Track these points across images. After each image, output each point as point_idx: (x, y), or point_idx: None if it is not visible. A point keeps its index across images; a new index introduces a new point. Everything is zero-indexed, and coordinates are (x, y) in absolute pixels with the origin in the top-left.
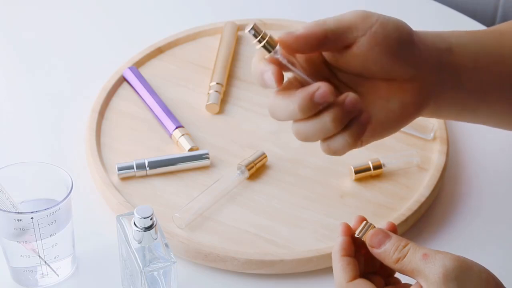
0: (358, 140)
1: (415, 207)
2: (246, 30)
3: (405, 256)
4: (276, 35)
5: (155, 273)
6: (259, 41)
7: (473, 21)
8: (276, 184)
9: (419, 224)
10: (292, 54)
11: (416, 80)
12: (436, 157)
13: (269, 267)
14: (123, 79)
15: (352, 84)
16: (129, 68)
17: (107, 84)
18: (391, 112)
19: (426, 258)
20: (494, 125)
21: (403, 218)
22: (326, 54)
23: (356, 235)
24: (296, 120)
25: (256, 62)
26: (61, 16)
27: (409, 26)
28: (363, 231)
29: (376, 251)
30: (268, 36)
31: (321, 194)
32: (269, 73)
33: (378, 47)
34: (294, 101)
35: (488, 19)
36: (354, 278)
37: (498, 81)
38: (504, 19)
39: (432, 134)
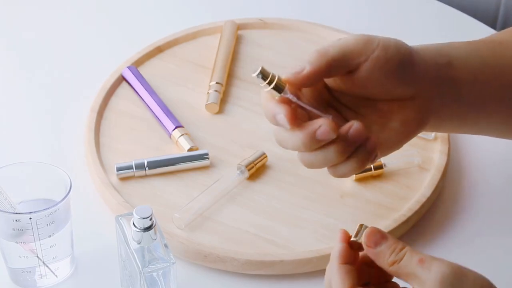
0: (365, 165)
1: (416, 208)
2: (254, 74)
3: (401, 259)
4: (276, 34)
5: (154, 274)
6: (268, 84)
7: (475, 20)
8: (276, 184)
9: (420, 224)
10: (299, 89)
11: (416, 98)
12: (437, 157)
13: (269, 268)
14: (122, 79)
15: (353, 106)
16: (128, 67)
17: (106, 84)
18: (392, 131)
19: (422, 263)
20: (495, 135)
21: (404, 218)
22: (327, 80)
23: (352, 239)
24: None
25: (266, 102)
26: (60, 15)
27: (408, 46)
28: (359, 234)
29: (371, 251)
30: (276, 78)
31: (321, 194)
32: (281, 115)
33: (380, 71)
34: (298, 137)
35: (489, 18)
36: (353, 286)
37: (498, 93)
38: (506, 18)
39: (433, 134)
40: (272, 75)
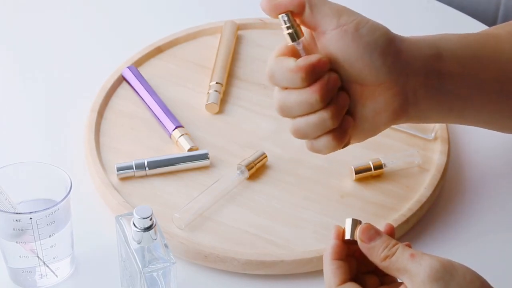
0: (340, 143)
1: (416, 208)
2: (279, 15)
3: (393, 254)
4: (276, 34)
5: (155, 274)
6: (288, 28)
7: (475, 21)
8: (276, 184)
9: (420, 224)
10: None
11: (389, 87)
12: (437, 157)
13: (269, 268)
14: (122, 79)
15: None
16: (128, 67)
17: (106, 84)
18: (364, 118)
19: (413, 258)
20: (481, 126)
21: (404, 218)
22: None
23: (347, 238)
24: (296, 117)
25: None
26: (60, 16)
27: (390, 33)
28: (352, 230)
29: (365, 246)
30: (298, 26)
31: (322, 194)
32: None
33: (347, 46)
34: (298, 72)
35: (489, 18)
36: (344, 281)
37: (485, 86)
38: (506, 18)
39: (433, 134)
40: (295, 22)
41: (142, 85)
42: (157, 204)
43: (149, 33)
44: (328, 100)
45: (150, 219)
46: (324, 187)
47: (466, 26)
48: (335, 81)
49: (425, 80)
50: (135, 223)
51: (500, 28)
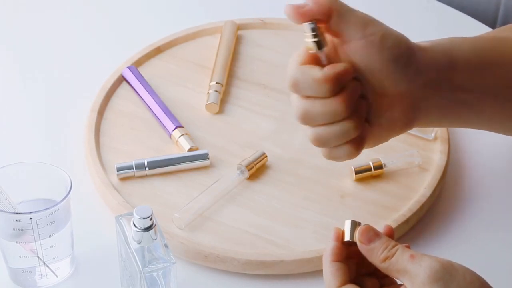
0: (359, 150)
1: (416, 208)
2: (305, 23)
3: (393, 255)
4: (276, 34)
5: (155, 274)
6: (314, 36)
7: (475, 21)
8: (276, 184)
9: (420, 224)
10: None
11: (406, 97)
12: (437, 157)
13: (269, 268)
14: (122, 79)
15: None
16: (128, 67)
17: (106, 84)
18: (379, 126)
19: (413, 259)
20: (488, 130)
21: (404, 218)
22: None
23: (346, 239)
24: (318, 125)
25: (298, 65)
26: (60, 16)
27: (409, 43)
28: (352, 231)
29: (364, 247)
30: (322, 34)
31: (322, 194)
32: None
33: (371, 57)
34: (323, 83)
35: (489, 18)
36: (344, 283)
37: (493, 91)
38: (506, 18)
39: (433, 134)
40: (321, 32)
41: (142, 85)
42: (157, 204)
43: (149, 33)
44: (352, 110)
45: (150, 219)
46: (324, 187)
47: (466, 26)
48: (358, 91)
49: (438, 90)
50: (135, 223)
51: (508, 30)
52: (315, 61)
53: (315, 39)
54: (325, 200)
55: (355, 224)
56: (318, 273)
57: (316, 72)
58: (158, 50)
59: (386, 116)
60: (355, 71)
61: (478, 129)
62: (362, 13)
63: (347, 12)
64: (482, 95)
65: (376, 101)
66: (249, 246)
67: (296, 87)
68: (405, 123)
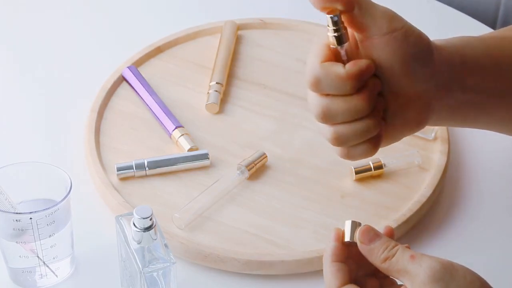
0: (376, 148)
1: (416, 208)
2: (329, 15)
3: (394, 255)
4: (276, 34)
5: (155, 274)
6: (336, 30)
7: (475, 21)
8: (276, 184)
9: (420, 224)
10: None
11: (421, 97)
12: (437, 157)
13: (269, 268)
14: (122, 79)
15: None
16: (128, 67)
17: (106, 84)
18: (393, 125)
19: (413, 259)
20: (494, 130)
21: (404, 218)
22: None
23: (346, 240)
24: (338, 123)
25: (318, 61)
26: (60, 16)
27: (430, 41)
28: (352, 232)
29: (365, 248)
30: (345, 28)
31: (322, 194)
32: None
33: (393, 53)
34: (345, 78)
35: (489, 18)
36: (344, 283)
37: (501, 91)
38: (505, 18)
39: (433, 134)
40: (343, 27)
41: (142, 85)
42: (157, 204)
43: (149, 33)
44: (373, 107)
45: (150, 219)
46: (324, 187)
47: (466, 26)
48: (378, 88)
49: (450, 91)
50: (135, 223)
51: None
52: (335, 56)
53: (337, 34)
54: (325, 200)
55: (355, 225)
56: (318, 273)
57: (339, 70)
58: (158, 50)
59: (401, 115)
60: (375, 68)
61: (485, 129)
62: (385, 7)
63: (371, 5)
64: (491, 96)
65: (392, 101)
66: (249, 246)
67: (317, 85)
68: (418, 123)
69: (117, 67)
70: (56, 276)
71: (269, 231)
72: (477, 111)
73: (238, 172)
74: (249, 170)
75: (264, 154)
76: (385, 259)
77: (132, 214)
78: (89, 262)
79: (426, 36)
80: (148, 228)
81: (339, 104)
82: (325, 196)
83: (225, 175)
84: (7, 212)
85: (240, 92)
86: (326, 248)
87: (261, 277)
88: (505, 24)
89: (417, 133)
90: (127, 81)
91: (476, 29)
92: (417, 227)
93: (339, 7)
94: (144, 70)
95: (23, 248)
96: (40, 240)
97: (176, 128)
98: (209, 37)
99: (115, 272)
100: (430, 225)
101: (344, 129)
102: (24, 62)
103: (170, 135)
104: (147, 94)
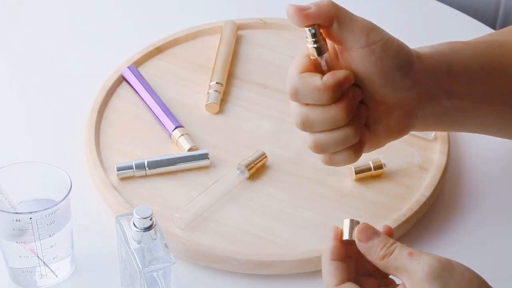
0: (359, 155)
1: (416, 208)
2: (307, 28)
3: (392, 253)
4: (276, 34)
5: (155, 274)
6: (315, 42)
7: (475, 21)
8: (276, 184)
9: (420, 224)
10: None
11: (403, 105)
12: (437, 157)
13: (269, 268)
14: (122, 79)
15: None
16: (128, 67)
17: (106, 84)
18: (376, 132)
19: (412, 256)
20: (484, 134)
21: (404, 218)
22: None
23: (345, 238)
24: (318, 132)
25: (298, 72)
26: (60, 15)
27: (409, 51)
28: (350, 230)
29: (363, 245)
30: (324, 40)
31: (322, 194)
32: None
33: (372, 65)
34: (324, 91)
35: (489, 18)
36: (342, 281)
37: (489, 96)
38: (505, 19)
39: (433, 134)
40: (322, 38)
41: (142, 85)
42: (157, 204)
43: (149, 33)
44: (352, 116)
45: (150, 219)
46: (324, 187)
47: (466, 26)
48: (359, 97)
49: (435, 98)
50: (135, 223)
51: (507, 35)
52: (315, 67)
53: (316, 45)
54: (325, 200)
55: (353, 223)
56: (318, 273)
57: (317, 80)
58: (158, 50)
59: (383, 122)
60: (355, 78)
61: (475, 133)
62: (363, 19)
63: (349, 19)
64: (478, 101)
65: (374, 108)
66: (249, 246)
67: (296, 95)
68: (401, 129)
69: (117, 67)
70: (56, 276)
71: (269, 231)
72: (465, 117)
73: (238, 172)
74: (249, 170)
75: (264, 154)
76: (384, 257)
77: (132, 214)
78: (89, 262)
79: (406, 47)
80: (148, 228)
81: (317, 114)
82: (325, 196)
83: (225, 175)
84: (7, 212)
85: (240, 92)
86: (325, 246)
87: (261, 277)
88: (504, 24)
89: (417, 133)
90: (127, 81)
91: (476, 29)
92: (417, 227)
93: (320, 21)
94: (144, 70)
95: (23, 248)
96: (40, 240)
97: (176, 128)
98: (209, 37)
99: (115, 272)
100: (430, 225)
101: (323, 137)
102: (25, 62)
103: (170, 135)
104: (147, 94)
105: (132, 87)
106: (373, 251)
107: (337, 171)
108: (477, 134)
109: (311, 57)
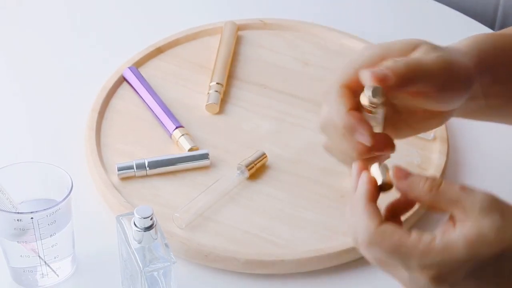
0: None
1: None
2: (369, 91)
3: (440, 185)
4: (276, 35)
5: (155, 273)
6: (374, 106)
7: (473, 21)
8: (276, 184)
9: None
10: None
11: (452, 113)
12: (436, 157)
13: (269, 268)
14: (123, 79)
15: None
16: (129, 68)
17: (107, 84)
18: (412, 130)
19: (465, 190)
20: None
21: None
22: None
23: (380, 183)
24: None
25: (342, 109)
26: (61, 15)
27: (470, 71)
28: (383, 173)
29: (404, 183)
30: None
31: (321, 194)
32: (364, 136)
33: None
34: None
35: (488, 19)
36: (381, 223)
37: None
38: (504, 19)
39: (432, 134)
40: (382, 96)
41: (143, 85)
42: (157, 204)
43: (149, 34)
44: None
45: (151, 219)
46: (324, 187)
47: (465, 26)
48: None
49: (474, 99)
50: (135, 223)
51: None
52: (359, 106)
53: (377, 107)
54: (325, 200)
55: (383, 167)
56: (318, 273)
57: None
58: (158, 51)
59: (424, 124)
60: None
61: (498, 123)
62: (439, 60)
63: (424, 71)
64: (510, 99)
65: (420, 114)
66: (249, 246)
67: (325, 131)
68: (436, 125)
69: (118, 67)
70: (57, 275)
71: (269, 231)
72: (494, 113)
73: (238, 172)
74: (249, 170)
75: (264, 154)
76: (431, 189)
77: (132, 213)
78: (90, 261)
79: (466, 65)
80: (148, 228)
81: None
82: (325, 196)
83: (225, 175)
84: (9, 212)
85: (240, 92)
86: (357, 193)
87: (261, 276)
88: (503, 25)
89: None
90: (127, 82)
91: (475, 30)
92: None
93: (396, 85)
94: (144, 70)
95: (24, 247)
96: (41, 239)
97: (176, 128)
98: (209, 38)
99: (115, 271)
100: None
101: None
102: (25, 62)
103: (170, 135)
104: (148, 94)
105: (133, 87)
106: (417, 186)
107: (337, 171)
108: (477, 133)
109: (364, 105)
